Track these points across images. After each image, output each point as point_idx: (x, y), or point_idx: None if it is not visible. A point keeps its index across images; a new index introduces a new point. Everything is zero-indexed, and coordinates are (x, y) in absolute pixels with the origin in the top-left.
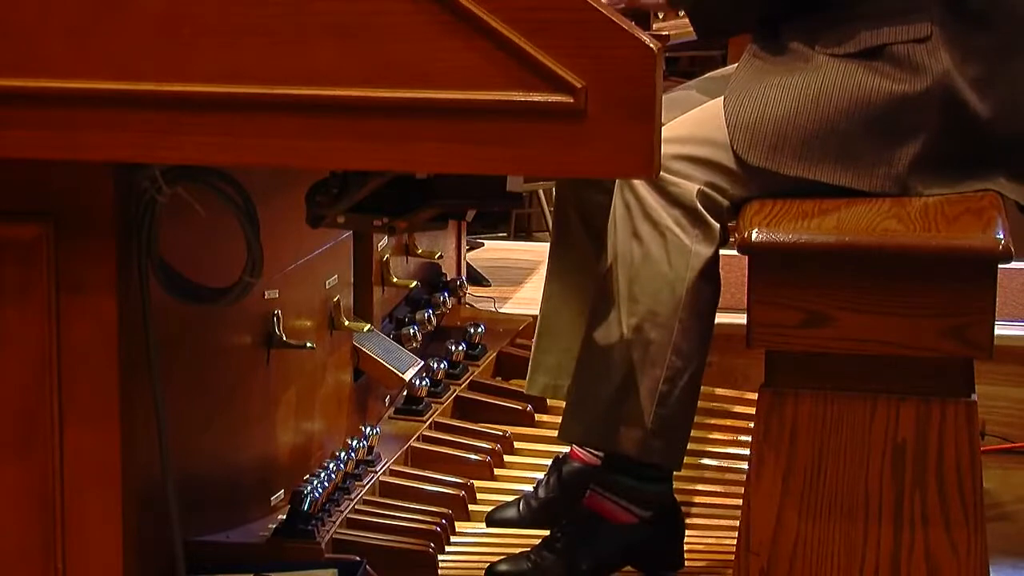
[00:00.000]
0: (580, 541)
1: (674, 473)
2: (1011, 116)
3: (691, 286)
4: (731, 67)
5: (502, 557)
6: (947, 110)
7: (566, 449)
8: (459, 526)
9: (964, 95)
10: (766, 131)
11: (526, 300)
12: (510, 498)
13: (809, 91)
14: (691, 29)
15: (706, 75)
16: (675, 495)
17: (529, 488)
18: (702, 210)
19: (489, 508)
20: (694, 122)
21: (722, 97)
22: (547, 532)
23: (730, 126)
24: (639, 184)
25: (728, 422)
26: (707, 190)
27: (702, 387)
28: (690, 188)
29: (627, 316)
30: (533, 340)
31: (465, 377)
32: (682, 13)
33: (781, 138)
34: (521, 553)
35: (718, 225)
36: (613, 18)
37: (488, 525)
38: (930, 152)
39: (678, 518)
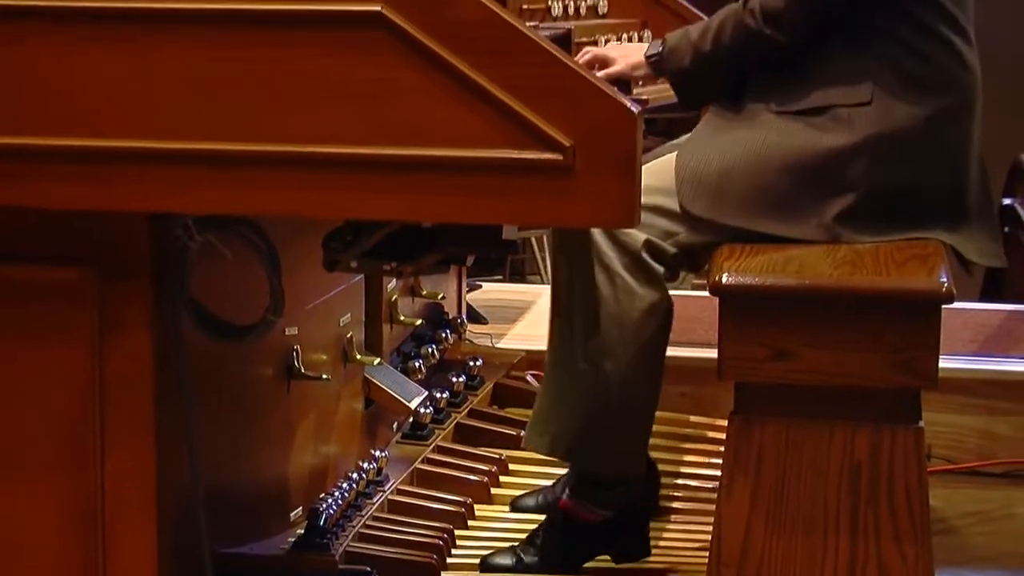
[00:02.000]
0: (556, 538)
1: (657, 491)
2: (939, 174)
3: (639, 325)
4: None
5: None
6: (875, 166)
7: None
8: (459, 539)
9: (894, 153)
10: (709, 185)
11: (520, 336)
12: (507, 514)
13: (751, 147)
14: (669, 94)
15: (670, 143)
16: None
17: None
18: (646, 258)
19: (486, 523)
20: (649, 173)
21: (675, 152)
22: None
23: (678, 180)
24: (595, 232)
25: (701, 446)
26: (654, 240)
27: (679, 414)
28: (638, 238)
29: (583, 349)
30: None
31: (465, 406)
32: (660, 80)
33: (722, 191)
34: (509, 547)
35: (662, 270)
36: (598, 84)
37: (512, 510)
38: (859, 205)
39: (642, 513)
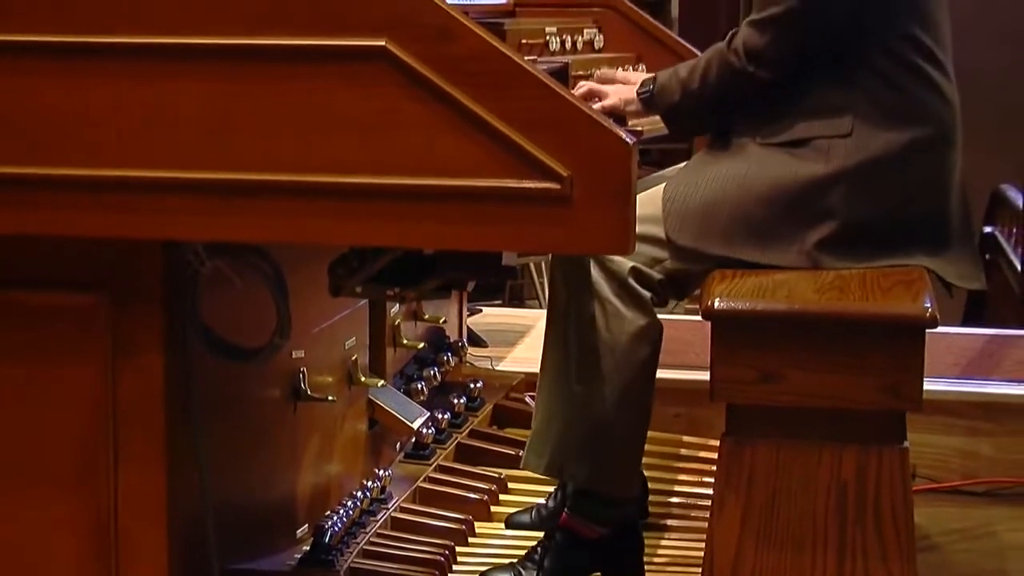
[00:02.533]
0: (555, 553)
1: (648, 511)
2: (918, 202)
3: (627, 349)
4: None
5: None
6: (854, 194)
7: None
8: (460, 556)
9: (872, 182)
10: (694, 215)
11: (519, 359)
12: (506, 531)
13: (734, 177)
14: (662, 126)
15: (657, 174)
16: (645, 527)
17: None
18: (633, 284)
19: (487, 540)
20: (637, 203)
21: (663, 184)
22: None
23: (664, 211)
24: (587, 261)
25: (694, 466)
26: (640, 267)
27: (673, 434)
28: (625, 265)
29: (576, 372)
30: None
31: (466, 426)
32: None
33: (706, 221)
34: (508, 563)
35: (649, 295)
36: (595, 116)
37: (507, 527)
38: (839, 232)
39: (638, 533)
